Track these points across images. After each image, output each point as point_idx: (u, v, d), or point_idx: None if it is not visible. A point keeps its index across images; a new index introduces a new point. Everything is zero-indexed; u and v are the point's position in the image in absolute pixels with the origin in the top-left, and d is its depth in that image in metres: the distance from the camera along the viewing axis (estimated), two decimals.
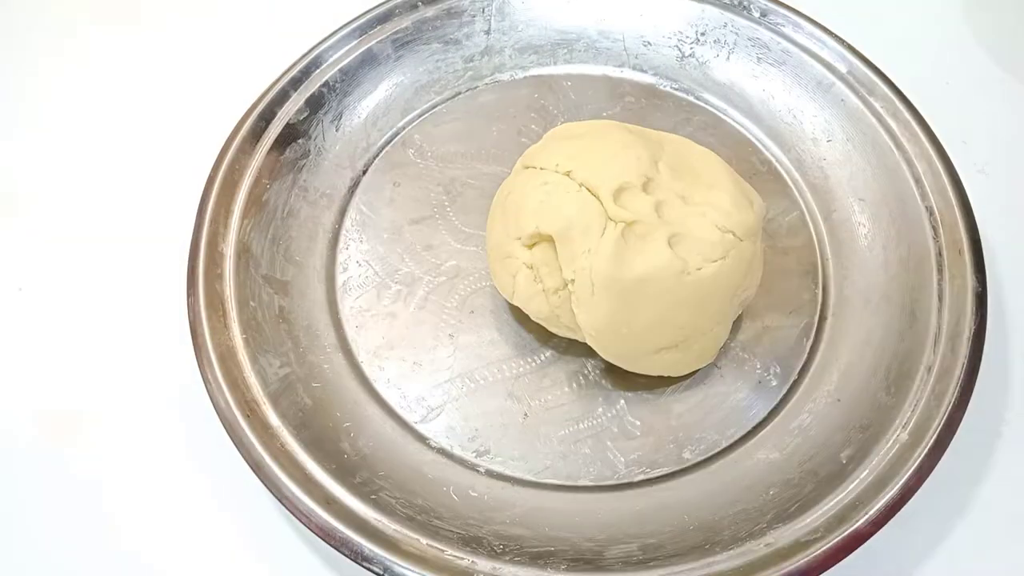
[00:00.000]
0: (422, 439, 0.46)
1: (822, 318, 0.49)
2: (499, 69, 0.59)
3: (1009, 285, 0.51)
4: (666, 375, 0.46)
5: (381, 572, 0.39)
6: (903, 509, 0.40)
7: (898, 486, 0.40)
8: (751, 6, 0.56)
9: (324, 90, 0.55)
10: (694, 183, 0.44)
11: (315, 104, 0.54)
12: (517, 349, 0.48)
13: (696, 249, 0.42)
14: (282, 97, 0.53)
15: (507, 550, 0.40)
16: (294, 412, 0.44)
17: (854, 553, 0.39)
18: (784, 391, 0.47)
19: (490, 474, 0.45)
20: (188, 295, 0.46)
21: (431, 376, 0.48)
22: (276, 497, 0.41)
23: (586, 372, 0.47)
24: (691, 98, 0.57)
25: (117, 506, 0.46)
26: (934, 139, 0.50)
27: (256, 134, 0.52)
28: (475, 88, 0.58)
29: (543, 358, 0.48)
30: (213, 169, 0.50)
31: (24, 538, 0.45)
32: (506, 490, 0.44)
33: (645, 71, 0.58)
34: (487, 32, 0.58)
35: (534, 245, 0.44)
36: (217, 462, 0.45)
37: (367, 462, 0.44)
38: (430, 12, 0.57)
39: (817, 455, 0.43)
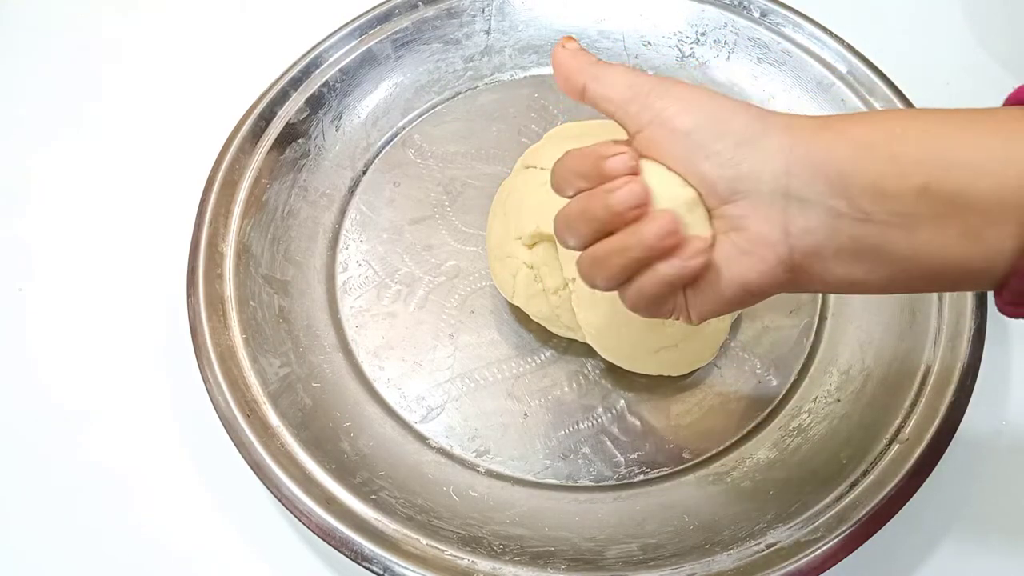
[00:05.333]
0: (422, 439, 0.46)
1: (822, 318, 0.49)
2: (499, 69, 0.59)
3: None
4: (666, 375, 0.46)
5: (381, 572, 0.39)
6: (903, 509, 0.40)
7: (898, 486, 0.40)
8: (751, 6, 0.56)
9: (324, 90, 0.55)
10: None
11: (315, 104, 0.54)
12: (517, 349, 0.48)
13: None
14: (282, 97, 0.53)
15: (507, 550, 0.40)
16: (294, 412, 0.44)
17: (854, 553, 0.39)
18: (784, 391, 0.47)
19: (490, 474, 0.45)
20: (188, 295, 0.46)
21: (431, 376, 0.48)
22: (276, 497, 0.41)
23: (586, 372, 0.47)
24: None
25: (116, 506, 0.46)
26: None
27: (256, 134, 0.52)
28: (475, 88, 0.58)
29: (543, 358, 0.48)
30: (213, 169, 0.50)
31: (23, 539, 0.45)
32: (506, 490, 0.44)
33: (645, 71, 0.58)
34: (487, 32, 0.58)
35: (535, 245, 0.44)
36: (217, 462, 0.45)
37: (367, 462, 0.44)
38: (430, 12, 0.57)
39: (817, 455, 0.43)
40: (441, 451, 0.45)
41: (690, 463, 0.45)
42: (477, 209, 0.53)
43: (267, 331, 0.47)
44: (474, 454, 0.45)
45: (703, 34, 0.57)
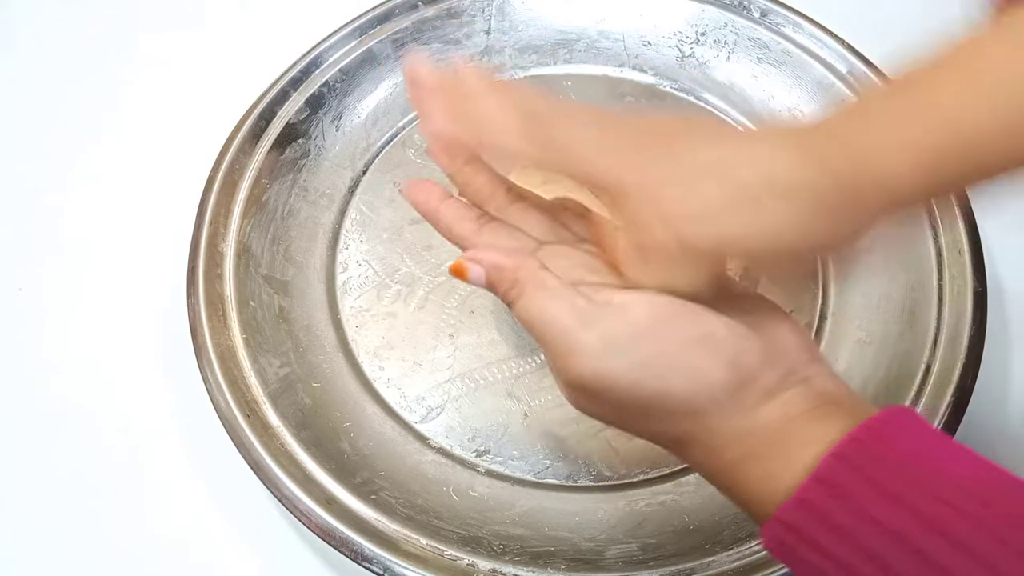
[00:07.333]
0: (422, 439, 0.46)
1: (822, 318, 0.49)
2: (499, 69, 0.58)
3: (1009, 285, 0.51)
4: None
5: (381, 572, 0.39)
6: None
7: None
8: (751, 6, 0.56)
9: (324, 90, 0.54)
10: None
11: (315, 104, 0.54)
12: (517, 349, 0.48)
13: None
14: (282, 97, 0.53)
15: (507, 550, 0.40)
16: (294, 412, 0.44)
17: None
18: None
19: (490, 474, 0.45)
20: (188, 295, 0.46)
21: (431, 376, 0.48)
22: (276, 497, 0.41)
23: None
24: (691, 98, 0.57)
25: (116, 506, 0.46)
26: None
27: (256, 134, 0.52)
28: None
29: (543, 358, 0.48)
30: (213, 169, 0.50)
31: (22, 539, 0.45)
32: (506, 490, 0.44)
33: (645, 71, 0.58)
34: (487, 32, 0.58)
35: None
36: (217, 462, 0.45)
37: (367, 462, 0.44)
38: (430, 12, 0.57)
39: None
40: (441, 451, 0.45)
41: None
42: None
43: (267, 331, 0.47)
44: (474, 454, 0.45)
45: (703, 34, 0.57)
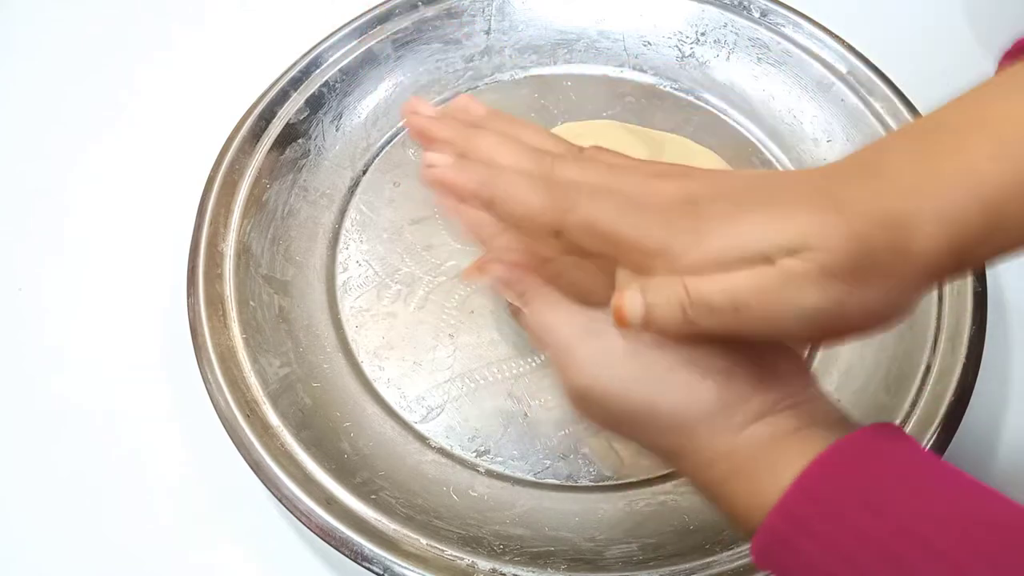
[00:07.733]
0: (422, 439, 0.46)
1: None
2: (499, 69, 0.58)
3: (1009, 285, 0.51)
4: None
5: (381, 572, 0.39)
6: None
7: None
8: (751, 6, 0.56)
9: (324, 90, 0.55)
10: None
11: (315, 104, 0.54)
12: (517, 349, 0.48)
13: None
14: (282, 97, 0.53)
15: (507, 550, 0.40)
16: (294, 412, 0.44)
17: None
18: None
19: (490, 474, 0.45)
20: (188, 295, 0.46)
21: (431, 376, 0.48)
22: (276, 497, 0.41)
23: None
24: (691, 98, 0.57)
25: (116, 506, 0.46)
26: None
27: (256, 134, 0.52)
28: (475, 88, 0.58)
29: (543, 358, 0.48)
30: (213, 169, 0.50)
31: (21, 539, 0.45)
32: (506, 490, 0.44)
33: (645, 71, 0.58)
34: (487, 32, 0.58)
35: None
36: (217, 462, 0.45)
37: (367, 462, 0.44)
38: (430, 12, 0.57)
39: None
40: (441, 451, 0.45)
41: None
42: None
43: (267, 331, 0.47)
44: (474, 454, 0.45)
45: (703, 34, 0.57)
